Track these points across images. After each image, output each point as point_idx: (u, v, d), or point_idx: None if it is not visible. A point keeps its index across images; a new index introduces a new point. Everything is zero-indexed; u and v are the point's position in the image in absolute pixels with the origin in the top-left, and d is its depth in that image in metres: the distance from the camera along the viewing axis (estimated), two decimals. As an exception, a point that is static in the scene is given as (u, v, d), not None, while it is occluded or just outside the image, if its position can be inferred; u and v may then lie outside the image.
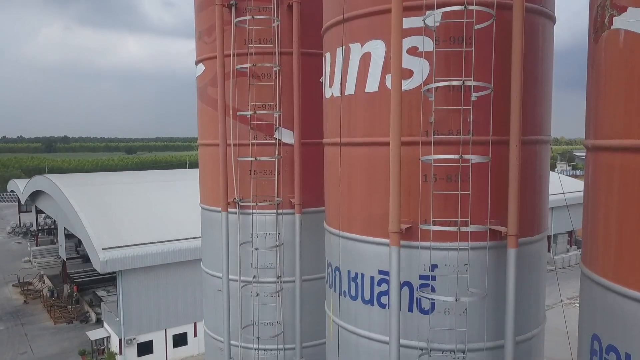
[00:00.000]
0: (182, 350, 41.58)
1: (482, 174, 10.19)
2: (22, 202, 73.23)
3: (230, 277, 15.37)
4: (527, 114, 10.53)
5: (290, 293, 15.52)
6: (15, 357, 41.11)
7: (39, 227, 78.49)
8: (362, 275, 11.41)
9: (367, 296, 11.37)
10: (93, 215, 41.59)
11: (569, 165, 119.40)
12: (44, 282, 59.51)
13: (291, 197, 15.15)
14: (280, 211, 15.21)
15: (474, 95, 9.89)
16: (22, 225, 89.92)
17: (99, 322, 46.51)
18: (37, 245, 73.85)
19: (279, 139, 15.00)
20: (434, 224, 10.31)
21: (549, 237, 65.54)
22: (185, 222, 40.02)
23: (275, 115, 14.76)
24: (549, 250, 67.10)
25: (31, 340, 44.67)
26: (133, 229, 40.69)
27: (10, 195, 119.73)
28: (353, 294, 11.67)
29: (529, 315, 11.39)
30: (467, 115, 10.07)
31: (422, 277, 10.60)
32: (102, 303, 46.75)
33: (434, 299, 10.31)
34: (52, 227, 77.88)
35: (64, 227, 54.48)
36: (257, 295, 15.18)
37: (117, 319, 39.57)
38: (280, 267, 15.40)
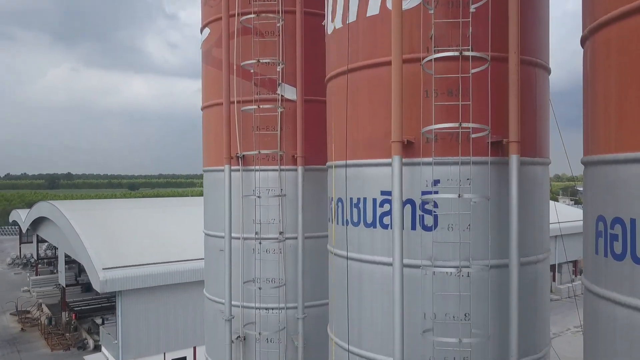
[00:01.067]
0: (181, 374, 40.70)
1: (483, 86, 10.34)
2: (24, 230, 73.00)
3: (233, 235, 15.30)
4: (526, 34, 10.75)
5: (292, 250, 15.42)
6: (10, 384, 40.29)
7: (39, 258, 77.99)
8: (365, 199, 11.42)
9: (369, 219, 11.34)
10: (94, 237, 41.44)
11: (571, 200, 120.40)
12: (42, 311, 58.70)
13: (294, 153, 15.24)
14: (283, 167, 15.28)
15: (472, 7, 10.14)
16: (22, 256, 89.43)
17: (97, 349, 45.63)
18: (36, 275, 73.19)
19: (281, 95, 15.22)
20: (436, 135, 10.42)
21: (552, 266, 65.13)
22: (186, 245, 39.87)
23: (278, 69, 15.03)
24: (553, 280, 66.35)
25: (27, 367, 43.84)
26: (134, 251, 40.45)
27: (11, 229, 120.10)
28: (355, 220, 11.64)
29: (533, 238, 11.33)
30: (466, 30, 10.30)
31: (424, 193, 10.60)
32: (100, 326, 46.08)
33: (436, 201, 10.22)
34: (52, 258, 77.42)
35: (65, 254, 54.23)
36: (260, 243, 15.08)
37: (115, 342, 38.90)
38: (283, 223, 15.36)
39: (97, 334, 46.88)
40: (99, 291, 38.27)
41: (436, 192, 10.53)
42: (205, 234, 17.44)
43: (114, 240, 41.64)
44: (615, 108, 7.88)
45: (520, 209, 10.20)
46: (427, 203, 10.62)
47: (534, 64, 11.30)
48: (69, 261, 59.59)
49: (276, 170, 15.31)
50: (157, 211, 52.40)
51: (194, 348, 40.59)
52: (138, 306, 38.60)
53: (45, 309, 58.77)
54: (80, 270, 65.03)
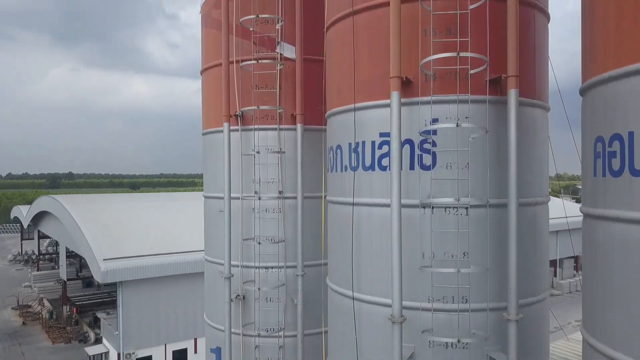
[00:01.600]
0: (181, 366, 40.66)
1: (481, 23, 10.32)
2: (25, 226, 73.19)
3: (232, 195, 15.30)
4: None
5: (292, 210, 15.43)
6: (10, 375, 40.34)
7: (41, 253, 78.09)
8: (364, 142, 11.40)
9: (367, 162, 11.32)
10: (95, 229, 41.58)
11: (572, 199, 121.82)
12: (43, 305, 58.77)
13: (293, 112, 15.26)
14: (282, 126, 15.29)
15: (470, -57, 10.16)
16: (23, 253, 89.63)
17: (98, 342, 45.64)
18: (37, 271, 73.33)
19: (281, 54, 15.23)
20: (434, 74, 10.43)
21: (554, 261, 64.96)
22: (186, 237, 39.93)
23: (277, 27, 15.04)
24: (555, 275, 66.18)
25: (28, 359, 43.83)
26: (134, 243, 40.58)
27: (12, 226, 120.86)
28: (354, 164, 11.62)
29: (532, 180, 11.31)
30: (463, -33, 10.30)
31: (423, 132, 10.59)
32: (101, 319, 46.12)
33: (435, 128, 10.17)
34: (53, 254, 77.66)
35: (66, 249, 54.36)
36: (260, 199, 15.07)
37: (116, 332, 38.90)
38: (282, 182, 15.36)
39: (99, 327, 46.94)
40: (99, 281, 38.29)
41: (435, 132, 10.53)
42: (205, 197, 17.44)
43: (114, 233, 41.75)
44: (613, 24, 7.89)
45: (519, 150, 10.15)
46: (426, 142, 10.60)
47: (533, 5, 11.30)
48: (70, 255, 59.73)
49: (275, 129, 15.31)
50: (157, 205, 52.60)
51: (195, 340, 40.58)
52: (139, 297, 38.66)
53: (47, 304, 58.82)
54: (82, 266, 65.24)
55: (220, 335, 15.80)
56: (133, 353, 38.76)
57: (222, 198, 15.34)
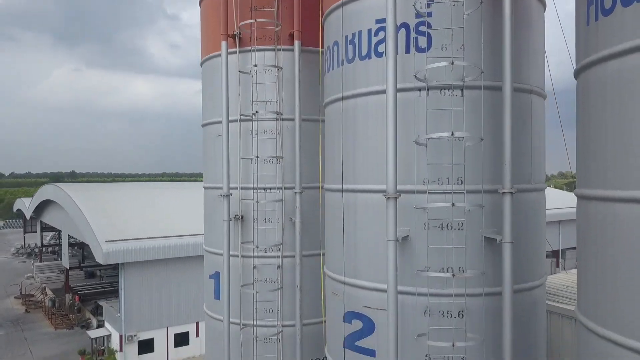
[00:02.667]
0: (183, 350, 40.53)
1: None
2: (28, 217, 73.30)
3: (230, 118, 15.38)
4: None
5: (290, 132, 15.46)
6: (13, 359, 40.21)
7: (43, 245, 78.14)
8: (360, 32, 11.43)
9: (364, 51, 11.35)
10: (97, 213, 41.61)
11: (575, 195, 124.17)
12: (45, 294, 58.79)
13: (290, 31, 15.29)
14: (280, 46, 15.37)
15: None
16: (26, 246, 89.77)
17: (100, 328, 45.59)
18: (40, 262, 73.40)
19: (279, -26, 15.32)
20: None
21: (556, 252, 64.53)
22: (188, 221, 39.94)
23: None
24: (557, 265, 65.70)
25: (31, 344, 43.75)
26: (136, 226, 40.62)
27: (15, 222, 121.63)
28: (350, 56, 11.66)
29: (527, 66, 11.32)
30: None
31: (418, 15, 10.65)
32: (104, 302, 46.08)
33: (430, 22, 10.20)
34: (56, 246, 77.72)
35: (68, 237, 54.45)
36: (257, 112, 15.09)
37: (118, 315, 38.87)
38: (280, 104, 15.40)
39: (101, 315, 46.85)
40: (101, 263, 38.24)
41: (430, 14, 10.59)
42: (203, 125, 17.48)
43: (116, 217, 41.80)
44: None
45: (513, 34, 10.15)
46: (422, 24, 10.66)
47: None
48: (73, 243, 59.83)
49: (273, 49, 15.39)
50: (159, 192, 52.76)
51: (197, 323, 40.49)
52: (140, 280, 38.62)
53: (49, 292, 58.84)
54: (84, 257, 65.28)
55: (218, 260, 15.79)
56: (135, 335, 38.65)
57: (220, 122, 15.41)
